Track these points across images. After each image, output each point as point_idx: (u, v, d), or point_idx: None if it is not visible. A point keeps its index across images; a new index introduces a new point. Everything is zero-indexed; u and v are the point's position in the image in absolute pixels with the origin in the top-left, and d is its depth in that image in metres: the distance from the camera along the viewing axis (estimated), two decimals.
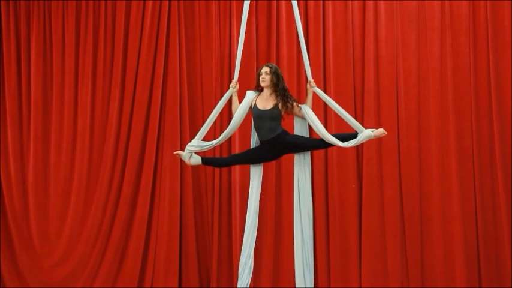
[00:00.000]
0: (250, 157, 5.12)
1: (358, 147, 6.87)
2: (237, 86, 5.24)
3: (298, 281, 5.15)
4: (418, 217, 6.75)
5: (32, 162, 7.32)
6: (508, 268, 6.54)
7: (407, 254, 6.72)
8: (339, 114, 5.18)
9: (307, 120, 5.17)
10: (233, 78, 5.32)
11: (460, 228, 6.62)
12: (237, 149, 6.93)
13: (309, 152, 5.22)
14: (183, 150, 5.19)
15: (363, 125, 6.79)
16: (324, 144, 5.08)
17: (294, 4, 5.23)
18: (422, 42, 6.84)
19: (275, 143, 5.04)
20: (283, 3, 6.98)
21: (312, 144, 5.17)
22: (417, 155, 6.79)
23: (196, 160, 5.12)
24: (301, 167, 5.17)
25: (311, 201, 5.23)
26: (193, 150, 5.16)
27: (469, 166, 6.71)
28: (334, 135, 5.05)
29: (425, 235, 6.74)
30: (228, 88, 5.32)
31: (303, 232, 5.13)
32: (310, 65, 6.90)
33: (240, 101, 5.25)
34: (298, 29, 5.26)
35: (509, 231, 6.56)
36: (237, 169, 6.92)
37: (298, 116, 5.23)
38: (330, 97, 6.79)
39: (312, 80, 5.27)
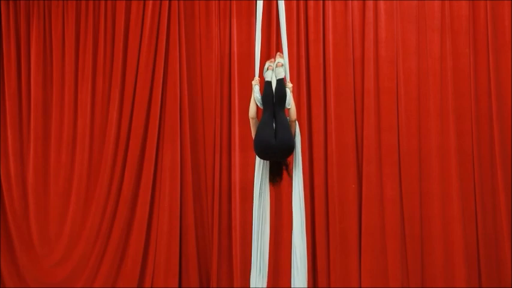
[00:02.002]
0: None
1: (359, 147, 6.88)
2: (258, 84, 5.20)
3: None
4: (418, 217, 6.75)
5: (32, 162, 7.32)
6: (508, 268, 6.54)
7: (407, 254, 6.72)
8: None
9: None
10: (254, 76, 5.24)
11: (460, 228, 6.63)
12: (237, 149, 6.94)
13: (300, 169, 5.14)
14: None
15: (362, 125, 6.87)
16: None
17: (281, 4, 5.23)
18: (422, 43, 6.85)
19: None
20: (283, 3, 6.96)
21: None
22: (417, 155, 6.79)
23: None
24: (295, 184, 5.15)
25: (303, 217, 5.16)
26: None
27: (469, 166, 6.71)
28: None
29: (425, 235, 6.74)
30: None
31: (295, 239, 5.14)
32: (310, 65, 6.99)
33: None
34: (282, 31, 5.24)
35: (509, 231, 6.56)
36: (237, 169, 6.92)
37: None
38: (330, 97, 6.90)
39: (291, 84, 5.21)
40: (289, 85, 5.18)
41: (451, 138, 6.72)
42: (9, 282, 7.23)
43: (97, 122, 7.24)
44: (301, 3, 7.00)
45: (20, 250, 7.28)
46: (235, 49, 7.02)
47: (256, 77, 5.15)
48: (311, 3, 6.97)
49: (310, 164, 6.90)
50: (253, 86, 5.09)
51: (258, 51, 5.20)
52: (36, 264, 7.24)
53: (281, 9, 5.25)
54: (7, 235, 7.32)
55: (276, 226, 6.92)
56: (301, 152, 6.84)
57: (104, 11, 7.28)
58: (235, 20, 7.05)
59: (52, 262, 7.19)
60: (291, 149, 4.89)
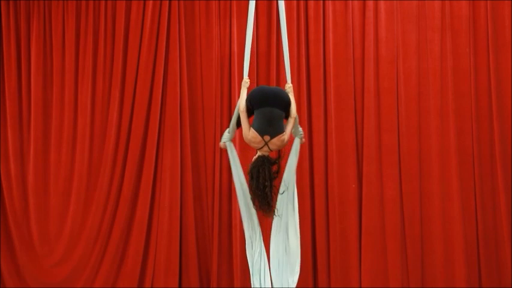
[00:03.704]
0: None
1: (359, 147, 6.88)
2: (248, 83, 5.17)
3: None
4: (418, 217, 6.76)
5: (32, 162, 7.31)
6: (508, 268, 6.54)
7: (408, 254, 6.73)
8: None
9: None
10: (243, 76, 5.22)
11: (460, 228, 6.63)
12: (237, 149, 6.89)
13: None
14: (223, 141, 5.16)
15: (362, 125, 6.87)
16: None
17: (281, 4, 5.23)
18: (422, 42, 6.85)
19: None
20: (283, 4, 6.97)
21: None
22: (417, 155, 6.80)
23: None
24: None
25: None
26: (229, 139, 5.14)
27: (469, 166, 6.72)
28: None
29: (425, 235, 6.75)
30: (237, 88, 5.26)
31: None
32: (310, 65, 6.99)
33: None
34: (282, 31, 5.23)
35: (509, 231, 6.57)
36: None
37: None
38: (330, 97, 6.90)
39: (290, 84, 5.19)
40: (288, 85, 5.17)
41: (451, 138, 6.73)
42: (9, 282, 7.23)
43: (97, 122, 7.23)
44: (302, 3, 7.01)
45: (20, 250, 7.28)
46: (235, 49, 7.02)
47: (245, 77, 5.12)
48: (311, 3, 6.98)
49: (310, 163, 6.91)
50: (242, 86, 5.06)
51: (247, 52, 5.19)
52: (36, 264, 7.24)
53: (281, 9, 5.24)
54: (7, 235, 7.32)
55: None
56: (301, 151, 6.92)
57: (104, 11, 7.28)
58: (235, 19, 7.05)
59: (52, 262, 7.19)
60: (286, 95, 4.90)
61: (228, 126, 5.18)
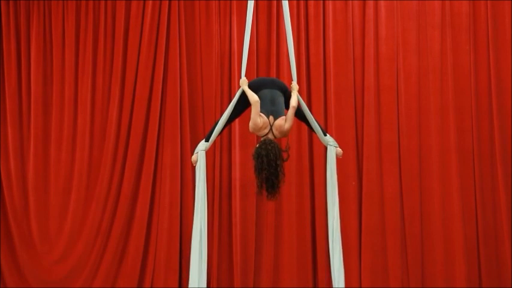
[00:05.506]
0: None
1: (359, 145, 6.88)
2: (247, 82, 5.16)
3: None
4: (418, 215, 6.76)
5: (32, 160, 7.31)
6: (508, 267, 6.54)
7: (408, 252, 6.73)
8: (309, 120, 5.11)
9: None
10: (240, 76, 5.22)
11: (460, 226, 6.63)
12: (237, 147, 6.93)
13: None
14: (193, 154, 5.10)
15: (363, 123, 6.88)
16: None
17: (285, 4, 5.23)
18: (422, 40, 6.88)
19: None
20: (287, 3, 6.98)
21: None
22: (417, 152, 6.80)
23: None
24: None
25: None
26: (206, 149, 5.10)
27: (469, 164, 6.73)
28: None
29: (425, 233, 6.75)
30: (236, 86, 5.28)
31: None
32: (310, 63, 7.00)
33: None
34: (287, 30, 5.24)
35: (509, 229, 6.57)
36: (237, 167, 6.91)
37: None
38: (330, 95, 6.91)
39: (295, 83, 5.18)
40: (293, 84, 5.16)
41: (451, 136, 6.73)
42: (9, 280, 7.21)
43: (97, 120, 7.23)
44: (302, 1, 7.03)
45: (20, 248, 7.26)
46: (235, 47, 7.03)
47: (243, 77, 5.11)
48: (311, 2, 7.01)
49: (311, 162, 6.91)
50: (243, 85, 5.04)
51: (245, 52, 5.19)
52: (36, 262, 7.22)
53: (285, 9, 5.24)
54: (7, 233, 7.30)
55: (276, 225, 6.92)
56: (301, 151, 6.91)
57: (104, 10, 7.29)
58: (235, 18, 7.07)
59: (52, 260, 7.17)
60: (283, 82, 5.11)
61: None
